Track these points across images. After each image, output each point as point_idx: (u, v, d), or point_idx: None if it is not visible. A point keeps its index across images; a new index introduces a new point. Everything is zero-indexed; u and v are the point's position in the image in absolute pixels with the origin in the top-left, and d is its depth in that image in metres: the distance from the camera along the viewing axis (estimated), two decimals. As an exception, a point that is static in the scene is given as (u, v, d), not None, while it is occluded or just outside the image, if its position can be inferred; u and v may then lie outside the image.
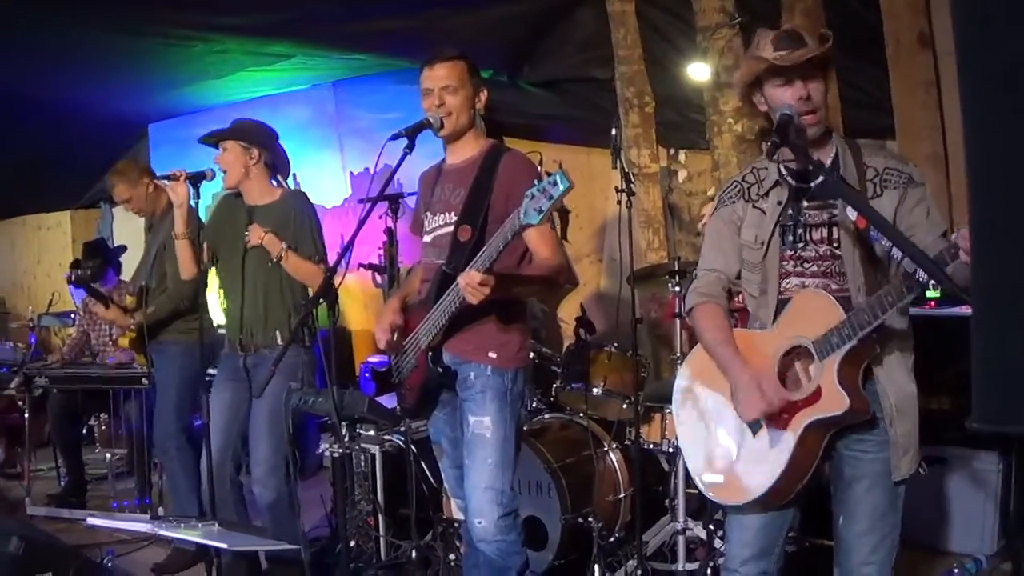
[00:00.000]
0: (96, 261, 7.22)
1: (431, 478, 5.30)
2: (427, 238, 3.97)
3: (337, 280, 3.57)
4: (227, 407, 4.91)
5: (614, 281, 7.09)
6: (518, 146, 4.20)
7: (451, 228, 3.80)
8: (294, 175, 5.27)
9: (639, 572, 4.81)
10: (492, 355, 3.76)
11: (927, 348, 4.30)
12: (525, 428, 4.86)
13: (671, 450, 5.22)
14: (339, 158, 8.70)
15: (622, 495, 5.33)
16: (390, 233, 6.05)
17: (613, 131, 4.96)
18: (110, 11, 6.40)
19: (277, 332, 4.85)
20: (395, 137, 3.62)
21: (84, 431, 7.93)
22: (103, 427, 8.17)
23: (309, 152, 8.30)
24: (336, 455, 4.13)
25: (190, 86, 8.45)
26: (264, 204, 4.92)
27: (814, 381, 2.95)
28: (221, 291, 5.08)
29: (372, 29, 7.05)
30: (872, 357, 3.00)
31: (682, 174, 7.11)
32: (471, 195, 3.79)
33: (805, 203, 3.10)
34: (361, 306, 8.45)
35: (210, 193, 5.84)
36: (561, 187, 3.12)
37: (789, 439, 2.99)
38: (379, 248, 6.35)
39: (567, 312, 7.09)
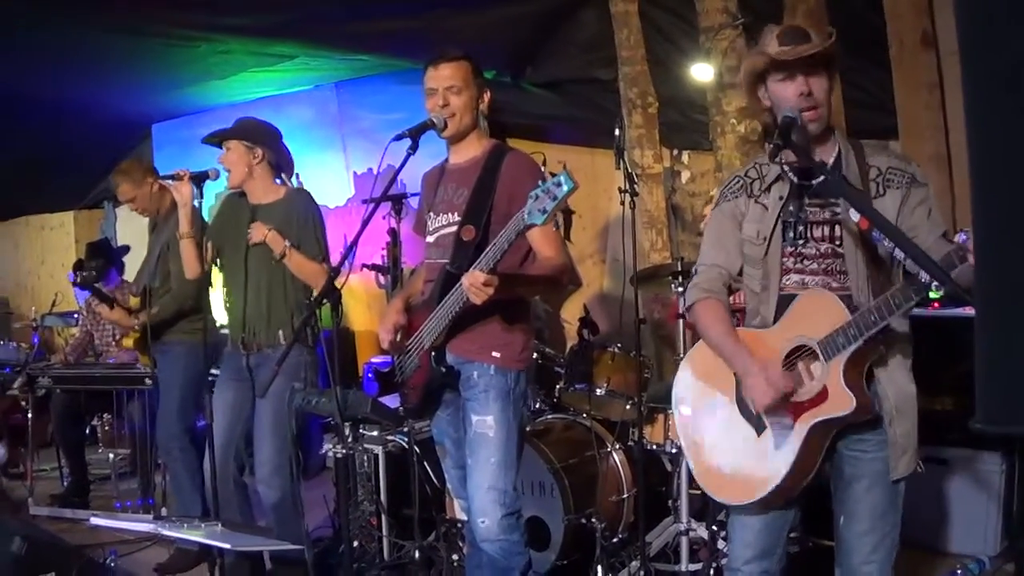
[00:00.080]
0: (99, 261, 7.22)
1: (434, 478, 5.29)
2: (430, 238, 3.97)
3: (340, 280, 3.57)
4: (230, 407, 4.91)
5: (617, 282, 7.08)
6: (521, 147, 4.20)
7: (454, 228, 3.80)
8: (297, 175, 5.27)
9: (642, 573, 4.80)
10: (496, 354, 3.76)
11: (930, 349, 4.30)
12: (528, 429, 4.86)
13: (674, 451, 5.22)
14: (342, 159, 8.71)
15: (625, 496, 5.33)
16: (393, 234, 6.06)
17: (616, 132, 4.96)
18: (113, 11, 6.40)
19: (280, 331, 4.85)
20: (399, 138, 3.63)
21: (87, 431, 7.95)
22: (106, 427, 8.18)
23: (312, 153, 8.31)
24: (339, 455, 4.13)
25: (193, 86, 8.46)
26: (268, 203, 4.92)
27: (819, 381, 2.95)
28: (224, 290, 5.08)
29: (375, 30, 7.05)
30: (875, 358, 3.00)
31: (685, 175, 7.11)
32: (474, 195, 3.79)
33: (808, 199, 3.10)
34: (364, 307, 8.45)
35: (213, 193, 5.86)
36: (566, 187, 3.12)
37: (795, 439, 2.99)
38: (382, 249, 6.37)
39: (570, 313, 7.09)
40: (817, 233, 3.10)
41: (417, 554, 5.07)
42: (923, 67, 5.79)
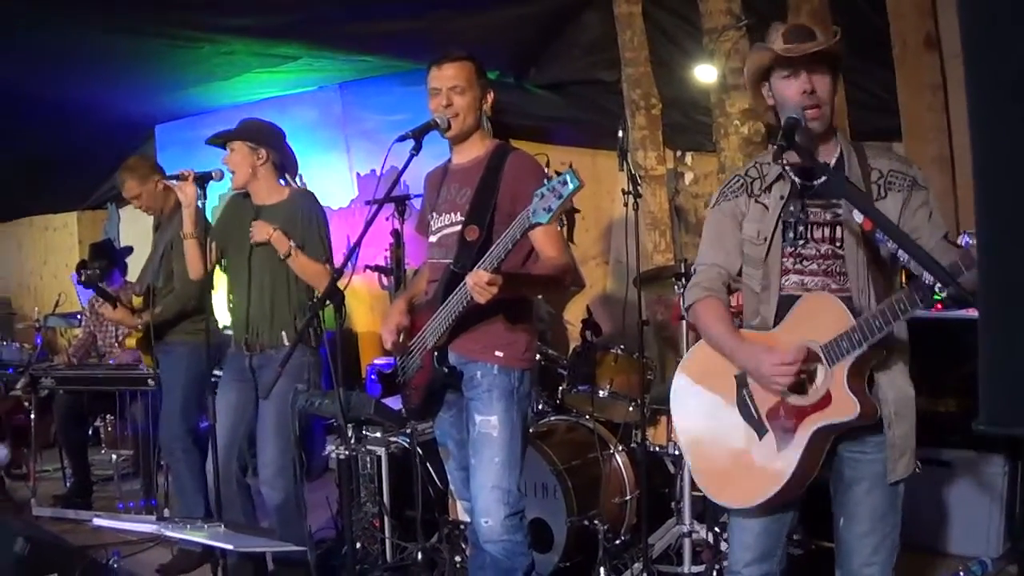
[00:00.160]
0: (102, 262, 7.22)
1: (437, 480, 5.30)
2: (433, 238, 3.98)
3: (344, 282, 3.57)
4: (233, 408, 4.91)
5: (620, 283, 7.09)
6: (525, 148, 4.19)
7: (458, 228, 3.80)
8: (300, 176, 5.27)
9: (645, 575, 4.80)
10: (499, 354, 3.76)
11: (933, 351, 4.31)
12: (531, 430, 4.86)
13: (677, 453, 5.21)
14: (346, 159, 8.70)
15: (628, 497, 5.33)
16: (397, 235, 6.06)
17: (620, 133, 4.96)
18: (117, 12, 6.41)
19: (283, 332, 4.85)
20: (402, 139, 3.64)
21: (90, 432, 7.94)
22: (109, 428, 8.19)
23: (316, 154, 8.30)
24: (342, 457, 4.12)
25: (197, 87, 8.46)
26: (272, 204, 4.93)
27: (823, 386, 2.95)
28: (228, 291, 5.08)
29: (378, 31, 7.06)
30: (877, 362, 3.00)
31: (688, 176, 7.11)
32: (477, 195, 3.79)
33: (810, 200, 3.10)
34: (367, 308, 8.45)
35: (216, 194, 5.86)
36: (571, 186, 3.11)
37: (798, 444, 2.98)
38: (385, 250, 6.36)
39: (573, 314, 7.09)
40: (817, 234, 3.09)
41: (420, 556, 5.07)
42: (926, 68, 5.79)
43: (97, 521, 4.87)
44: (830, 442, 3.03)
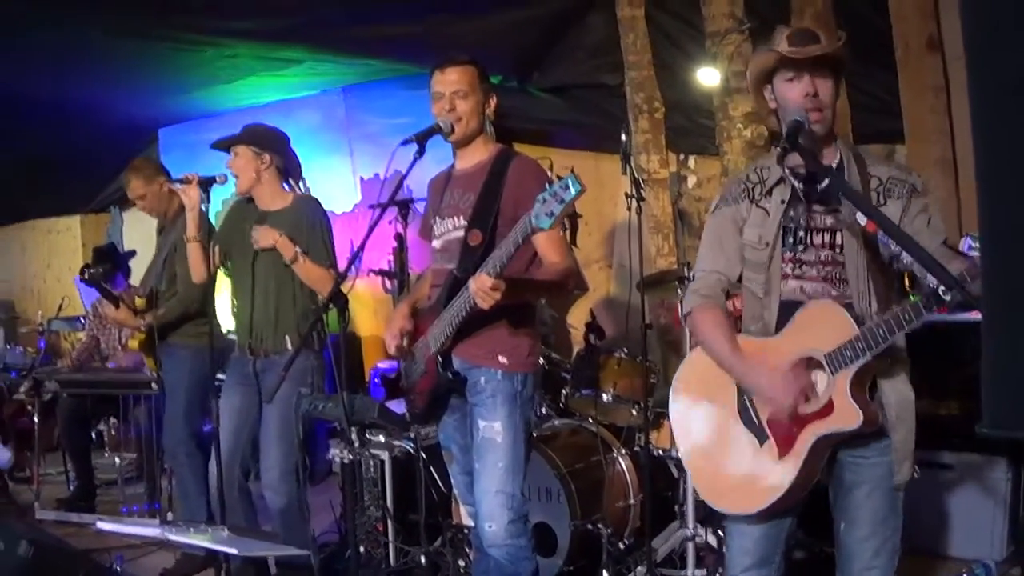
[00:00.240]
0: (106, 266, 7.22)
1: (440, 484, 5.30)
2: (437, 243, 3.97)
3: (347, 286, 3.57)
4: (236, 412, 4.92)
5: (623, 287, 7.08)
6: (528, 152, 4.21)
7: (461, 233, 3.79)
8: (304, 180, 5.27)
9: (648, 578, 4.80)
10: (502, 359, 3.75)
11: (937, 354, 4.30)
12: (535, 434, 4.86)
13: (680, 456, 5.21)
14: (349, 163, 8.70)
15: (632, 501, 5.33)
16: (400, 239, 6.06)
17: (623, 137, 4.96)
18: (120, 15, 6.42)
19: (287, 337, 4.85)
20: (406, 143, 3.63)
21: (93, 435, 7.96)
22: (112, 431, 8.21)
23: (319, 157, 8.30)
24: (346, 461, 4.11)
25: (200, 91, 8.47)
26: (276, 209, 4.93)
27: (825, 394, 2.94)
28: (232, 295, 5.09)
29: (381, 34, 7.07)
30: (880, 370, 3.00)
31: (692, 180, 7.11)
32: (481, 200, 3.79)
33: (810, 205, 3.10)
34: (371, 312, 8.45)
35: (220, 199, 5.86)
36: (573, 191, 3.11)
37: (799, 452, 2.97)
38: (389, 254, 6.36)
39: (577, 318, 7.09)
40: (817, 240, 3.09)
41: (423, 560, 5.07)
42: (929, 71, 5.79)
43: (100, 525, 4.85)
44: (830, 448, 3.04)
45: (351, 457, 3.91)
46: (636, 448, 5.46)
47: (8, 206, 11.34)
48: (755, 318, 3.20)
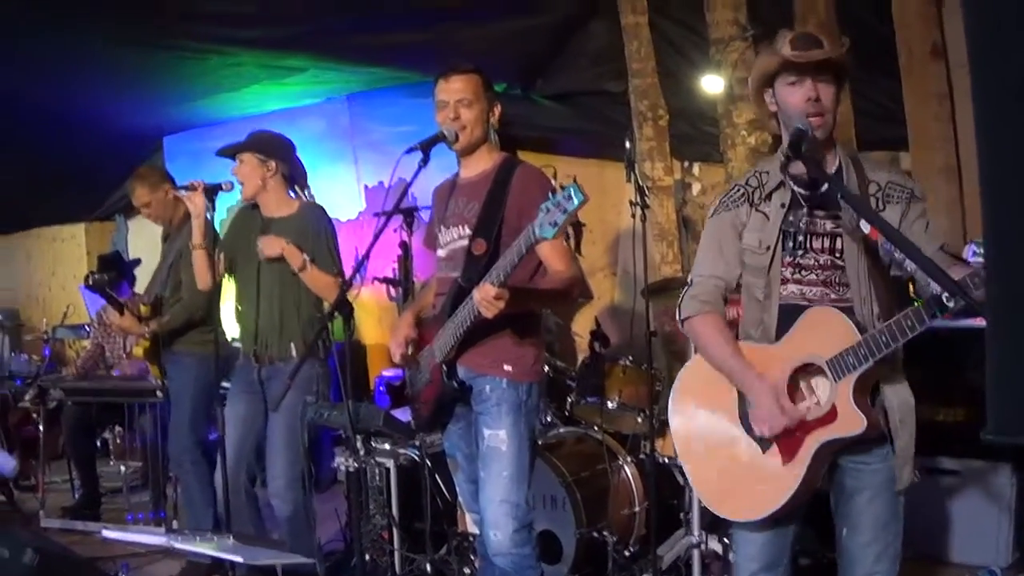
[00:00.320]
0: (111, 274, 7.21)
1: (446, 492, 5.29)
2: (441, 252, 3.98)
3: (353, 293, 3.58)
4: (241, 420, 4.92)
5: (628, 294, 7.08)
6: (532, 159, 4.21)
7: (465, 242, 3.80)
8: (308, 187, 5.28)
9: (654, 586, 4.80)
10: (507, 368, 3.76)
11: (942, 359, 4.30)
12: (540, 442, 4.86)
13: (681, 464, 5.20)
14: (354, 171, 8.72)
15: (637, 509, 5.32)
16: (404, 247, 6.07)
17: (627, 144, 4.96)
18: (126, 24, 6.44)
19: (292, 344, 4.86)
20: (410, 151, 3.64)
21: (98, 443, 7.95)
22: (118, 440, 8.19)
23: (324, 165, 8.30)
24: (351, 469, 4.13)
25: (205, 99, 8.48)
26: (281, 216, 4.94)
27: (828, 401, 2.94)
28: (237, 302, 5.09)
29: (384, 43, 7.08)
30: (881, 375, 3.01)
31: (696, 187, 7.11)
32: (485, 209, 3.79)
33: (810, 210, 3.10)
34: (376, 320, 8.45)
35: (225, 207, 5.86)
36: (575, 200, 3.11)
37: (803, 458, 2.97)
38: (393, 262, 6.36)
39: (581, 326, 7.09)
40: (816, 244, 3.09)
41: (429, 568, 5.07)
42: (933, 78, 5.79)
43: (106, 533, 4.86)
44: (833, 454, 3.04)
45: (356, 465, 3.93)
46: (641, 456, 5.46)
47: (13, 214, 11.34)
48: (755, 322, 3.19)
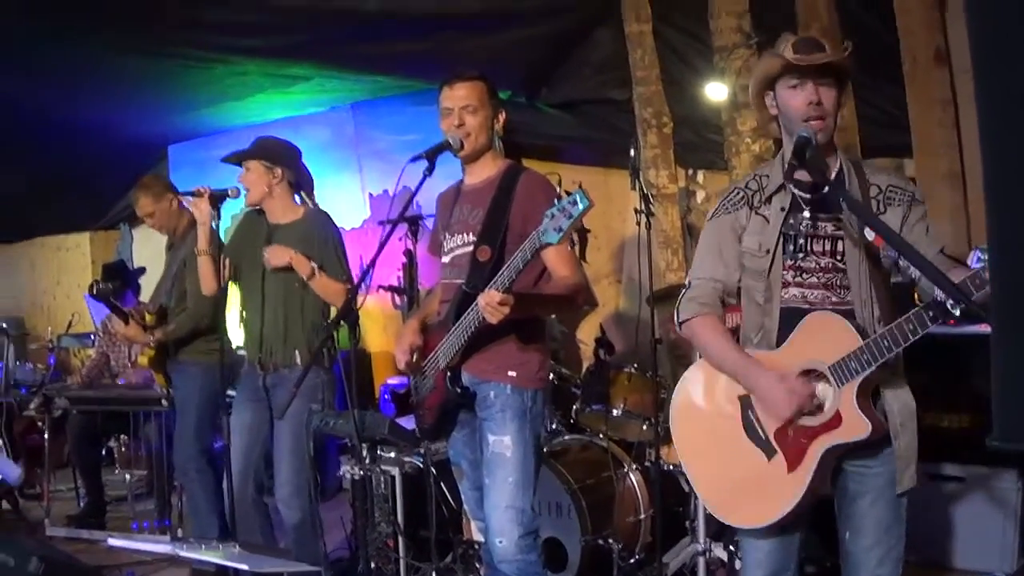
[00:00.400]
0: (115, 283, 7.22)
1: (451, 500, 5.29)
2: (446, 258, 3.98)
3: (359, 301, 3.58)
4: (248, 428, 4.92)
5: (633, 302, 7.08)
6: (536, 167, 4.22)
7: (470, 248, 3.80)
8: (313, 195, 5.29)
9: (659, 593, 4.80)
10: (512, 374, 3.75)
11: (947, 365, 4.29)
12: (545, 449, 4.85)
13: (685, 472, 5.20)
14: (358, 180, 8.72)
15: (642, 516, 5.32)
16: (409, 255, 6.08)
17: (631, 152, 4.96)
18: (130, 33, 6.45)
19: (296, 351, 4.85)
20: (415, 159, 3.64)
21: (104, 452, 7.96)
22: (123, 448, 8.21)
23: (328, 174, 8.30)
24: (356, 477, 4.13)
25: (210, 108, 8.49)
26: (287, 223, 4.94)
27: (832, 406, 2.94)
28: (241, 308, 5.09)
29: (389, 51, 7.09)
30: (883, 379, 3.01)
31: (700, 194, 7.11)
32: (489, 215, 3.79)
33: (811, 213, 3.10)
34: (380, 328, 8.45)
35: (230, 215, 5.87)
36: (581, 206, 3.12)
37: (808, 464, 2.97)
38: (398, 270, 6.37)
39: (586, 333, 7.09)
40: (817, 247, 3.09)
41: (434, 575, 5.06)
42: (936, 84, 5.79)
43: (111, 541, 4.87)
44: (836, 460, 3.04)
45: (362, 473, 3.92)
46: (647, 463, 5.44)
47: (18, 223, 11.36)
48: (756, 326, 3.19)
